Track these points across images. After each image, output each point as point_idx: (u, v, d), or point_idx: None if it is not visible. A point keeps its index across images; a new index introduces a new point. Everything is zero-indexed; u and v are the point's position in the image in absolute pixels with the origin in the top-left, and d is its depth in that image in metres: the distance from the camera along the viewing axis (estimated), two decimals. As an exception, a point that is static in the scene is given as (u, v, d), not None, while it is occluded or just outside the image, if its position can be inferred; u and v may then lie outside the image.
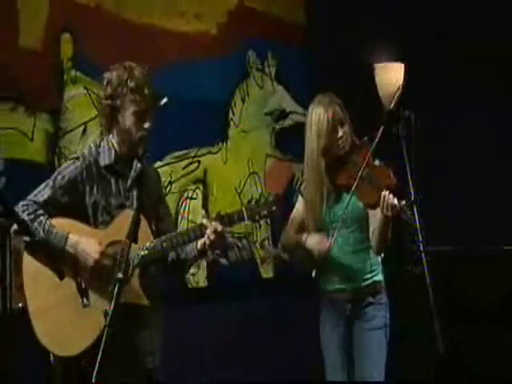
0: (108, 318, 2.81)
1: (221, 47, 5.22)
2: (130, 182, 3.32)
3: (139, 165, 3.26)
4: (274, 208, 3.35)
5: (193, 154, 5.03)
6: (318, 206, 3.74)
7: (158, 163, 4.77)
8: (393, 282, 3.92)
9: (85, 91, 4.46)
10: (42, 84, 4.29)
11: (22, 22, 4.19)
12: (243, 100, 5.38)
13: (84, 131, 4.44)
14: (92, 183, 3.28)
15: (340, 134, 3.70)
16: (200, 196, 5.07)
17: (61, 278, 3.19)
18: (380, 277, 3.81)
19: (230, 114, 5.29)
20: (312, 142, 3.75)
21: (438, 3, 5.67)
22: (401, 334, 3.88)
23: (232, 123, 5.30)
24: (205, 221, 3.29)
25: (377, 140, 3.58)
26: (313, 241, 3.72)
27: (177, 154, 4.93)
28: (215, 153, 5.17)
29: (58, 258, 3.21)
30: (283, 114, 5.65)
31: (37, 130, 4.25)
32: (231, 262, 5.16)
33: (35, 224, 3.20)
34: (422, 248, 3.23)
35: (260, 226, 5.38)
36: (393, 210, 3.45)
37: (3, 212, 2.90)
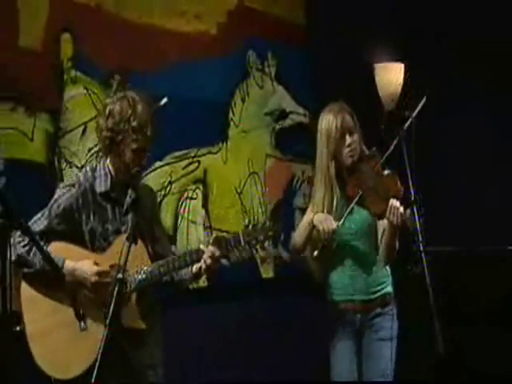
0: (108, 318, 2.81)
1: (221, 47, 5.21)
2: (125, 207, 3.31)
3: (133, 195, 3.25)
4: (270, 233, 3.35)
5: (193, 154, 5.03)
6: (328, 210, 3.72)
7: (158, 163, 4.77)
8: (393, 282, 3.92)
9: (85, 91, 4.45)
10: (42, 84, 4.29)
11: (22, 22, 4.19)
12: (243, 100, 5.38)
13: (84, 131, 4.44)
14: (88, 210, 3.28)
15: (348, 141, 3.69)
16: (200, 196, 5.07)
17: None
18: (389, 288, 3.81)
19: (230, 114, 5.29)
20: (322, 148, 3.75)
21: (437, 3, 5.67)
22: (401, 333, 3.88)
23: (232, 123, 5.30)
24: (202, 246, 3.31)
25: (389, 151, 3.56)
26: (319, 217, 3.69)
27: (177, 153, 4.93)
28: (215, 153, 5.16)
29: (56, 285, 3.21)
30: (283, 114, 5.65)
31: (37, 130, 4.25)
32: (231, 262, 5.16)
33: (31, 255, 3.21)
34: (421, 248, 3.23)
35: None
36: (399, 218, 3.45)
37: (3, 213, 2.89)
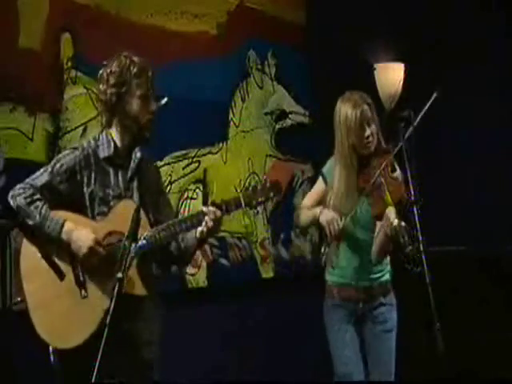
0: (108, 318, 2.80)
1: (221, 47, 5.21)
2: (130, 173, 3.31)
3: (139, 154, 3.27)
4: (271, 194, 3.34)
5: (193, 154, 5.03)
6: (344, 199, 3.74)
7: (158, 163, 4.77)
8: (393, 281, 3.92)
9: (85, 91, 4.45)
10: (42, 84, 4.29)
11: (22, 22, 4.19)
12: (243, 100, 5.38)
13: (84, 131, 4.44)
14: (90, 173, 3.27)
15: (367, 133, 3.71)
16: (200, 196, 5.07)
17: (61, 278, 3.19)
18: (388, 276, 3.85)
19: (230, 114, 5.29)
20: (342, 140, 3.75)
21: (437, 3, 5.68)
22: (401, 334, 3.88)
23: (232, 123, 5.30)
24: (203, 208, 3.29)
25: (395, 151, 3.56)
26: (326, 217, 3.72)
27: (177, 153, 4.93)
28: (215, 153, 5.16)
29: (56, 251, 3.20)
30: (283, 114, 5.65)
31: (37, 130, 4.25)
32: (231, 262, 5.16)
33: (31, 207, 3.19)
34: (422, 248, 3.23)
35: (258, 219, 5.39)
36: (392, 230, 3.45)
37: (3, 213, 2.90)
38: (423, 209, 3.28)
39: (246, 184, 5.31)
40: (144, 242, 3.20)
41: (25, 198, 3.20)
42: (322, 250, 3.71)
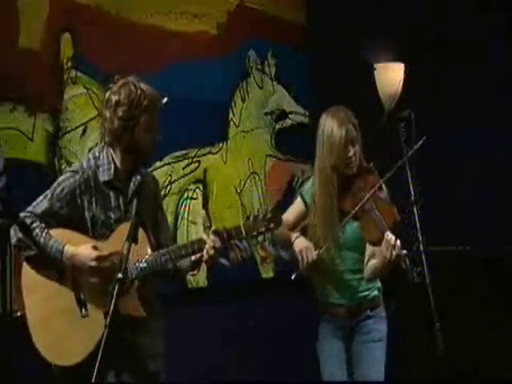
0: (108, 318, 2.81)
1: (221, 47, 5.21)
2: (129, 195, 3.29)
3: (139, 177, 3.25)
4: (271, 226, 3.33)
5: (193, 154, 5.03)
6: (327, 219, 3.69)
7: (158, 163, 4.77)
8: (393, 282, 3.92)
9: (85, 91, 4.45)
10: (42, 84, 4.28)
11: (22, 22, 4.19)
12: (243, 100, 5.38)
13: (84, 131, 4.44)
14: (91, 197, 3.26)
15: (351, 153, 3.64)
16: (200, 196, 5.07)
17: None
18: (377, 292, 3.81)
19: (230, 114, 5.29)
20: (324, 158, 3.68)
21: (437, 3, 5.68)
22: (401, 334, 3.88)
23: (232, 123, 5.30)
24: (204, 236, 3.29)
25: (388, 175, 3.53)
26: (300, 246, 3.70)
27: (177, 153, 4.93)
28: (215, 153, 5.16)
29: (57, 270, 3.21)
30: (283, 114, 5.65)
31: (37, 130, 4.25)
32: (231, 263, 5.16)
33: (29, 240, 3.18)
34: (421, 248, 3.23)
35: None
36: (393, 256, 3.41)
37: (3, 212, 2.90)
38: (423, 209, 3.28)
39: (247, 184, 5.32)
40: (145, 264, 3.22)
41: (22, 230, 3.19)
42: (293, 276, 3.65)
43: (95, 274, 3.20)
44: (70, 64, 4.40)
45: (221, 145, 5.20)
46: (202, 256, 3.29)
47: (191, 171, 5.03)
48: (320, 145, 3.71)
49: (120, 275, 2.87)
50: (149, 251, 3.25)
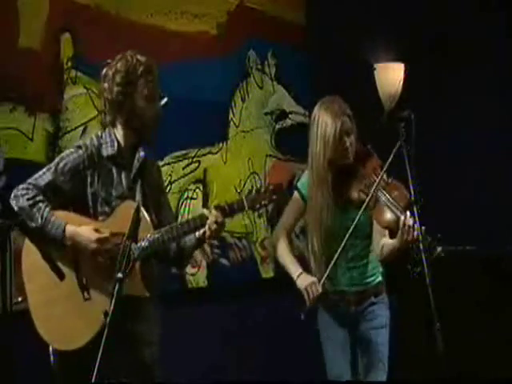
0: (108, 318, 2.80)
1: (221, 47, 5.21)
2: (133, 172, 3.31)
3: (142, 154, 3.27)
4: (274, 197, 3.32)
5: (193, 154, 5.03)
6: (325, 214, 3.68)
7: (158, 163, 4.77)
8: (393, 282, 3.92)
9: (85, 91, 4.45)
10: (42, 84, 4.28)
11: (22, 22, 4.19)
12: (243, 100, 5.38)
13: (84, 131, 4.44)
14: (93, 173, 3.27)
15: (347, 144, 3.63)
16: (200, 196, 5.07)
17: (61, 278, 3.18)
18: (381, 278, 3.82)
19: (230, 114, 5.29)
20: (318, 153, 3.67)
21: (437, 3, 5.68)
22: (401, 334, 3.88)
23: (232, 123, 5.30)
24: (205, 211, 3.29)
25: (390, 159, 3.51)
26: (305, 283, 3.66)
27: (177, 153, 4.93)
28: (215, 153, 5.16)
29: (58, 253, 3.20)
30: (283, 114, 5.65)
31: (37, 130, 4.25)
32: (231, 262, 5.16)
33: (34, 210, 3.19)
34: (421, 248, 3.23)
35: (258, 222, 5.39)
36: (413, 236, 3.40)
37: (3, 213, 2.89)
38: (423, 209, 3.28)
39: (247, 184, 5.32)
40: (147, 243, 3.21)
41: (27, 199, 3.20)
42: (302, 316, 3.61)
43: (96, 256, 3.19)
44: (70, 64, 4.40)
45: (221, 145, 5.20)
46: (205, 232, 3.27)
47: (191, 171, 5.02)
48: (314, 139, 3.69)
49: (120, 275, 2.87)
50: (151, 229, 3.24)
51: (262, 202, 3.31)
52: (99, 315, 3.08)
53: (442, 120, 5.71)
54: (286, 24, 5.65)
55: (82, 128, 4.43)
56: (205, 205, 5.08)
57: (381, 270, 3.82)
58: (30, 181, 3.25)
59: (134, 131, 3.30)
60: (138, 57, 3.30)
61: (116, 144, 3.30)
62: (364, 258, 3.76)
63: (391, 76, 5.84)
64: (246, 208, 3.29)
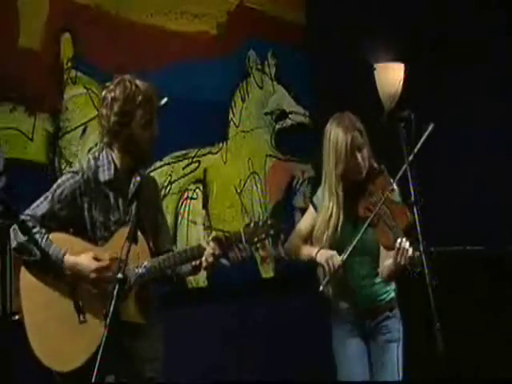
0: (108, 319, 2.80)
1: (221, 47, 5.21)
2: (129, 196, 3.28)
3: (138, 179, 3.22)
4: (272, 232, 3.32)
5: (193, 154, 5.03)
6: (333, 226, 3.70)
7: (158, 163, 4.77)
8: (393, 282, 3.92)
9: (85, 91, 4.45)
10: (42, 84, 4.28)
11: (22, 22, 4.18)
12: (243, 100, 5.38)
13: (84, 131, 4.44)
14: (91, 198, 3.25)
15: (359, 159, 3.65)
16: (200, 196, 5.07)
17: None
18: (394, 294, 3.83)
19: (230, 114, 5.29)
20: (330, 168, 3.70)
21: (437, 3, 5.67)
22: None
23: (232, 123, 5.30)
24: (203, 243, 3.30)
25: (397, 177, 3.52)
26: (324, 256, 3.68)
27: (177, 153, 4.93)
28: (215, 153, 5.16)
29: (56, 276, 3.20)
30: (283, 114, 5.65)
31: (37, 130, 4.25)
32: (231, 262, 5.15)
33: (31, 245, 3.15)
34: (422, 248, 3.23)
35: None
36: (407, 260, 3.42)
37: (3, 213, 2.89)
38: (423, 209, 3.28)
39: (247, 184, 5.32)
40: (144, 270, 3.21)
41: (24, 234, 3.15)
42: (321, 287, 3.62)
43: (95, 284, 3.19)
44: (70, 64, 4.40)
45: (221, 145, 5.20)
46: (202, 262, 3.28)
47: (191, 171, 5.02)
48: (326, 153, 3.72)
49: (120, 275, 2.87)
50: (148, 255, 3.24)
51: (260, 237, 3.32)
52: (94, 338, 3.07)
53: (442, 120, 5.70)
54: (286, 24, 5.65)
55: (82, 128, 4.43)
56: (205, 205, 5.08)
57: (393, 287, 3.82)
58: (27, 212, 3.23)
59: (131, 155, 3.28)
60: (138, 83, 3.24)
61: (113, 167, 3.28)
62: (376, 276, 3.76)
63: (391, 76, 5.84)
64: (244, 241, 3.29)
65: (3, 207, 2.96)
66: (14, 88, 4.14)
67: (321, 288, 3.63)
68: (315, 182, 5.67)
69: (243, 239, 3.29)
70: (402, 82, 5.79)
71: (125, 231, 3.14)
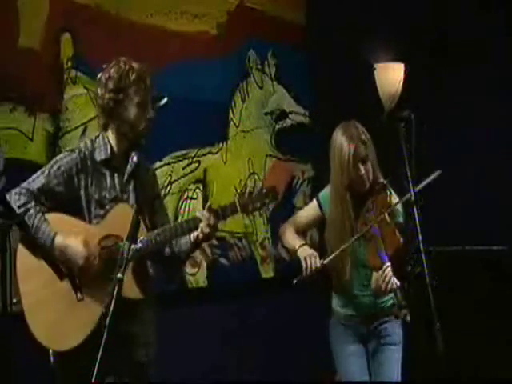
0: (108, 319, 2.80)
1: (221, 47, 5.22)
2: (126, 176, 3.32)
3: (135, 159, 3.24)
4: (267, 200, 3.34)
5: (193, 154, 5.03)
6: (344, 233, 3.69)
7: (158, 163, 4.77)
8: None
9: (85, 91, 4.45)
10: (42, 84, 4.28)
11: (22, 22, 4.19)
12: (243, 100, 5.38)
13: (84, 131, 4.44)
14: (86, 176, 3.28)
15: (361, 171, 3.65)
16: (200, 196, 5.07)
17: (61, 278, 3.19)
18: (393, 301, 3.81)
19: (230, 114, 5.29)
20: (337, 177, 3.71)
21: (437, 3, 5.67)
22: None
23: (232, 123, 5.30)
24: (198, 213, 3.30)
25: (402, 200, 3.52)
26: (305, 253, 3.69)
27: (177, 153, 4.93)
28: (215, 153, 5.16)
29: (52, 255, 3.21)
30: (283, 114, 5.66)
31: (37, 130, 4.25)
32: (231, 262, 5.16)
33: (25, 217, 3.19)
34: (421, 248, 3.23)
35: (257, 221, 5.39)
36: (386, 289, 3.44)
37: (3, 213, 2.89)
38: (423, 209, 3.28)
39: (247, 184, 5.32)
40: (140, 245, 3.21)
41: (18, 206, 3.19)
42: (295, 281, 3.62)
43: (84, 269, 3.19)
44: (70, 64, 4.40)
45: (221, 145, 5.20)
46: (199, 236, 3.28)
47: (191, 171, 5.03)
48: (332, 162, 3.73)
49: (120, 275, 2.87)
50: (144, 232, 3.24)
51: (255, 205, 3.32)
52: (92, 316, 3.09)
53: (442, 120, 5.71)
54: (286, 24, 5.66)
55: (82, 128, 4.43)
56: (205, 205, 5.07)
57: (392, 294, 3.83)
58: (23, 185, 3.25)
59: (126, 136, 3.31)
60: (132, 63, 3.30)
61: (109, 148, 3.32)
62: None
63: (391, 76, 5.84)
64: (239, 210, 3.30)
65: (3, 207, 2.96)
66: (14, 88, 4.14)
67: (294, 281, 3.62)
68: (315, 182, 5.69)
69: (238, 209, 3.29)
70: (401, 82, 5.79)
71: (119, 209, 3.19)
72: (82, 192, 3.28)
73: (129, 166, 3.32)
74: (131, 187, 3.30)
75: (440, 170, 3.71)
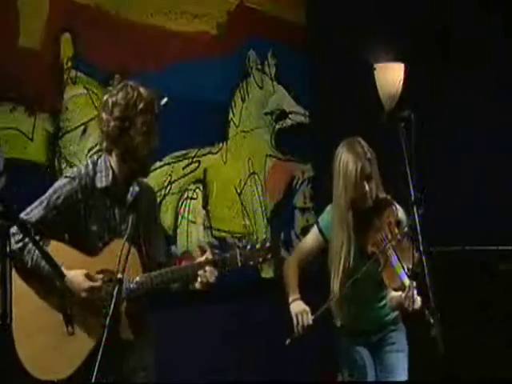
0: (108, 319, 2.79)
1: (221, 47, 5.21)
2: (126, 206, 3.21)
3: (137, 188, 3.18)
4: (269, 256, 3.30)
5: (193, 154, 5.03)
6: (344, 254, 3.70)
7: (158, 163, 4.77)
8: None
9: (85, 91, 4.45)
10: (42, 84, 4.28)
11: (22, 22, 4.18)
12: (243, 100, 5.38)
13: (84, 131, 4.44)
14: (86, 206, 3.21)
15: (366, 189, 3.66)
16: (200, 196, 5.07)
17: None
18: (396, 312, 3.82)
19: (230, 114, 5.29)
20: (340, 195, 3.72)
21: (438, 3, 5.67)
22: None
23: (232, 123, 5.30)
24: (200, 262, 3.26)
25: (405, 226, 3.52)
26: (296, 309, 3.71)
27: (177, 153, 4.93)
28: (215, 153, 5.16)
29: (47, 285, 3.16)
30: (283, 114, 5.65)
31: (37, 130, 4.25)
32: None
33: (24, 253, 3.14)
34: (421, 248, 3.23)
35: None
36: (413, 308, 3.42)
37: (3, 213, 2.89)
38: (423, 209, 3.27)
39: (247, 184, 5.31)
40: (135, 286, 3.17)
41: (17, 241, 3.13)
42: (287, 342, 3.64)
43: (85, 302, 3.15)
44: (70, 64, 4.40)
45: (221, 145, 5.20)
46: (199, 287, 3.26)
47: (191, 171, 5.02)
48: (337, 178, 3.74)
49: (120, 275, 2.86)
50: (140, 270, 3.20)
51: (257, 260, 3.29)
52: (82, 350, 3.05)
53: (442, 120, 5.71)
54: (286, 24, 5.66)
55: (82, 128, 4.43)
56: (205, 205, 5.08)
57: None
58: (21, 216, 3.15)
59: (129, 163, 3.22)
60: (140, 90, 3.19)
61: (111, 174, 3.23)
62: (381, 299, 3.78)
63: (391, 76, 5.84)
64: (239, 264, 3.28)
65: (3, 207, 2.96)
66: (14, 88, 4.14)
67: (287, 342, 3.65)
68: (315, 182, 5.69)
69: (239, 263, 3.27)
70: (401, 82, 5.79)
71: (118, 244, 3.07)
72: (82, 222, 3.20)
73: (129, 196, 3.20)
74: (130, 218, 3.11)
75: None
